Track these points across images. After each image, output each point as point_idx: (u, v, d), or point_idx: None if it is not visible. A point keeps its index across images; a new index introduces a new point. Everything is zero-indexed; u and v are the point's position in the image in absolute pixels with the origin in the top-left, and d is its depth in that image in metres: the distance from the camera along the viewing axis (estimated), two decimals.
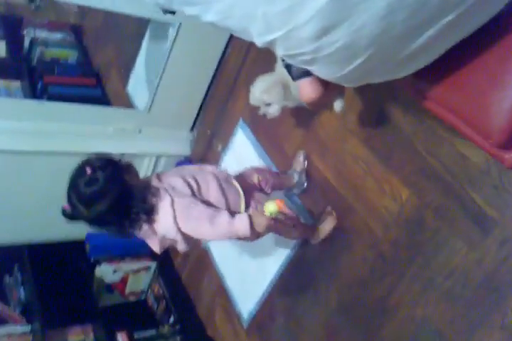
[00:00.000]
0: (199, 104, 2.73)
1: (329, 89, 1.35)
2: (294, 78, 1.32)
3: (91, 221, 1.46)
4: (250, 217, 1.51)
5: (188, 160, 2.80)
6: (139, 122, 2.60)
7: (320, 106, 1.46)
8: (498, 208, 1.42)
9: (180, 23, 2.31)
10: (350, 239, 1.85)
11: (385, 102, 1.74)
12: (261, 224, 1.51)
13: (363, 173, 1.81)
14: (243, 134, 2.39)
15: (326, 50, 0.91)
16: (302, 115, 2.09)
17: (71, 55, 3.61)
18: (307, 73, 1.29)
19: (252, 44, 1.03)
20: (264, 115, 1.77)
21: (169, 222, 1.47)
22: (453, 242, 1.52)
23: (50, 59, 3.54)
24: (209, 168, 1.70)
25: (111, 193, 1.40)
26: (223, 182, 1.62)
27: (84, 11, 3.71)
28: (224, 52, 2.55)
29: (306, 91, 1.32)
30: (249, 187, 1.71)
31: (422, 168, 1.61)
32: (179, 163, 2.77)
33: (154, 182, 1.53)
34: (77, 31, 3.83)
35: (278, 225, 1.57)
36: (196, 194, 1.53)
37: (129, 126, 2.59)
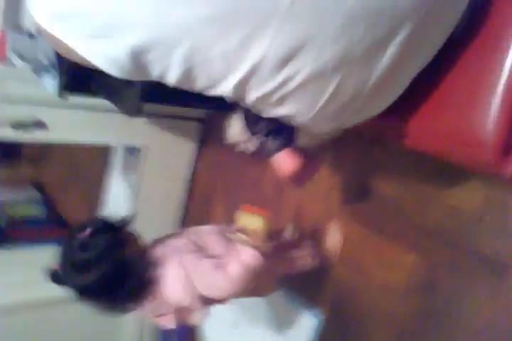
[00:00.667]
0: (180, 221, 2.70)
1: (308, 160, 1.36)
2: (271, 153, 1.32)
3: (79, 289, 1.31)
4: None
5: None
6: None
7: (302, 180, 1.44)
8: (504, 250, 1.39)
9: (146, 148, 2.37)
10: (366, 325, 1.75)
11: (365, 174, 1.76)
12: (255, 240, 1.40)
13: (359, 251, 1.76)
14: None
15: (293, 82, 0.90)
16: (284, 202, 2.08)
17: (38, 210, 3.61)
18: (282, 146, 1.30)
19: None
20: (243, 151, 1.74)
21: (182, 282, 1.33)
22: (473, 296, 1.45)
23: (18, 218, 3.53)
24: (205, 227, 1.60)
25: (104, 264, 1.27)
26: (224, 233, 1.51)
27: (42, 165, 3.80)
28: (195, 166, 2.60)
29: (285, 163, 1.30)
30: None
31: (418, 229, 1.59)
32: None
33: (156, 249, 1.41)
34: (39, 186, 3.88)
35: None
36: (200, 249, 1.42)
37: None
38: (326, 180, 1.87)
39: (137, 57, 0.88)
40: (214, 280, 1.35)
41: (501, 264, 1.39)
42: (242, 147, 1.72)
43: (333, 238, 1.83)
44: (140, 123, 2.33)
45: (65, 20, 0.87)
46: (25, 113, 2.13)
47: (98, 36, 0.87)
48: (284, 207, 2.09)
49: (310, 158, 1.36)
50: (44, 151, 4.04)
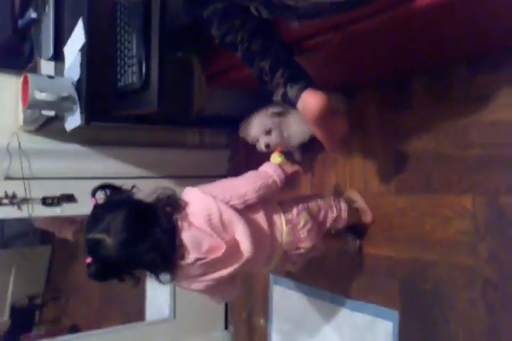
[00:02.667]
0: None
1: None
2: (296, 99, 1.34)
3: (125, 261, 1.24)
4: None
5: None
6: (168, 333, 2.34)
7: (334, 135, 1.42)
8: None
9: None
10: (448, 294, 1.56)
11: (393, 143, 1.74)
12: (283, 164, 1.52)
13: (416, 219, 1.65)
14: (280, 288, 2.17)
15: None
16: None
17: None
18: (303, 89, 1.33)
19: None
20: (267, 146, 1.87)
21: (200, 195, 1.35)
22: None
23: None
24: None
25: (125, 212, 1.25)
26: None
27: None
28: None
29: (311, 101, 1.31)
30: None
31: (464, 168, 1.52)
32: None
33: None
34: (76, 329, 3.76)
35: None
36: None
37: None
38: (360, 165, 1.87)
39: None
40: (229, 184, 1.42)
41: None
42: (264, 141, 1.81)
43: (352, 195, 1.84)
44: None
45: None
46: (53, 188, 2.17)
47: None
48: None
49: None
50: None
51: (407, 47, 1.44)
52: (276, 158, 1.53)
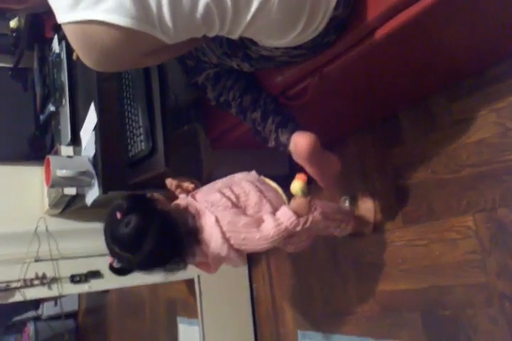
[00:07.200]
0: None
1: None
2: (287, 142, 1.46)
3: (143, 266, 1.30)
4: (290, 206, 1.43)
5: None
6: None
7: (327, 173, 1.53)
8: None
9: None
10: (468, 317, 1.56)
11: (389, 182, 1.83)
12: (301, 205, 1.43)
13: (425, 248, 1.69)
14: None
15: None
16: (338, 261, 2.05)
17: None
18: (292, 131, 1.46)
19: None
20: None
21: (219, 241, 1.34)
22: None
23: None
24: (239, 175, 1.57)
25: (151, 227, 1.25)
26: (258, 183, 1.51)
27: None
28: (251, 291, 2.54)
29: (301, 141, 1.44)
30: None
31: (460, 190, 1.59)
32: None
33: (190, 202, 1.43)
34: None
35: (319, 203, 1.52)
36: (236, 204, 1.42)
37: None
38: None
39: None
40: (250, 238, 1.37)
41: None
42: None
43: (367, 203, 1.88)
44: None
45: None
46: (80, 265, 2.27)
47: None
48: (336, 265, 2.04)
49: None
50: None
51: (382, 84, 1.58)
52: (297, 187, 1.43)
